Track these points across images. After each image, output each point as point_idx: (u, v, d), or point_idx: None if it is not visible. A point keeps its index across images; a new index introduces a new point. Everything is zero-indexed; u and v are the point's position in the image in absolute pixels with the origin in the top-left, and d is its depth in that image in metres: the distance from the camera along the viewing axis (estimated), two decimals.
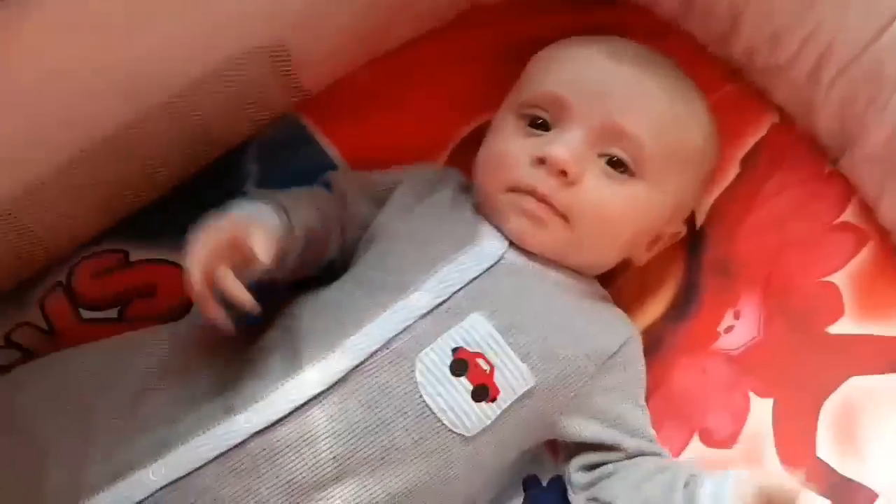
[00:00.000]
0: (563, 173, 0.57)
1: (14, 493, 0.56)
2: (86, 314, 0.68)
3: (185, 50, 0.60)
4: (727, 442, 0.63)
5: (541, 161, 0.58)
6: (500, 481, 0.61)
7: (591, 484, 0.59)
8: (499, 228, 0.60)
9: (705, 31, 0.72)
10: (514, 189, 0.59)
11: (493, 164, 0.61)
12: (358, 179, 0.67)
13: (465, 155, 0.70)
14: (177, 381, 0.59)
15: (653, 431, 0.61)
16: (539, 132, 0.60)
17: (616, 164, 0.59)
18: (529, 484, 0.63)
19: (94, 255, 0.69)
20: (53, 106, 0.56)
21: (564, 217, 0.58)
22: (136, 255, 0.69)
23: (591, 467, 0.60)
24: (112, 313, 0.68)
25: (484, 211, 0.62)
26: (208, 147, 0.71)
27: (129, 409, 0.57)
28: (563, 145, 0.57)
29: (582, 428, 0.59)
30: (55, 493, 0.54)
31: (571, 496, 0.61)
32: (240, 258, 0.53)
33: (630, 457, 0.59)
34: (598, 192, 0.58)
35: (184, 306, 0.68)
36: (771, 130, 0.71)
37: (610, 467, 0.59)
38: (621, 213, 0.59)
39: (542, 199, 0.58)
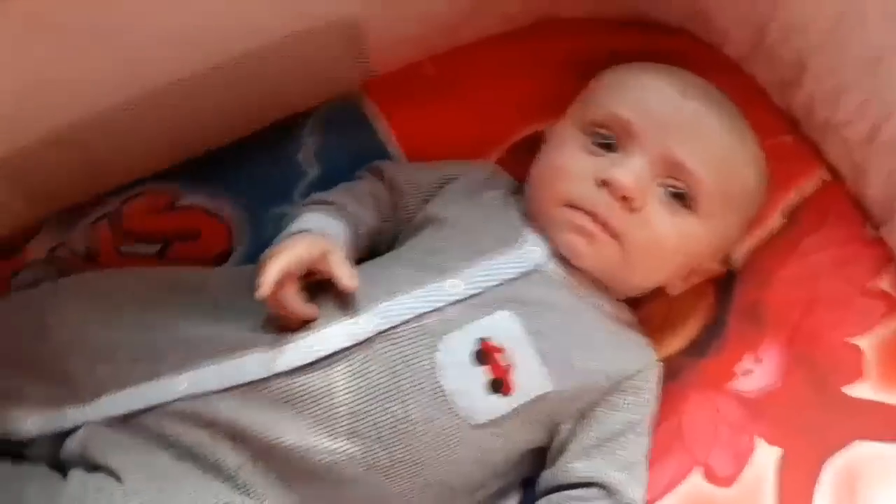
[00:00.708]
0: (626, 199, 0.58)
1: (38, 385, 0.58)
2: (126, 248, 0.71)
3: (271, 10, 0.63)
4: (726, 481, 0.63)
5: (605, 183, 0.58)
6: (503, 477, 0.61)
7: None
8: (544, 238, 0.61)
9: (769, 76, 0.73)
10: (572, 205, 0.59)
11: (554, 177, 0.61)
12: (412, 174, 0.68)
13: (514, 158, 0.72)
14: (210, 312, 0.61)
15: (640, 467, 0.61)
16: (602, 152, 0.60)
17: (674, 195, 0.59)
18: (528, 485, 0.63)
19: (145, 193, 0.72)
20: (136, 43, 0.58)
21: (617, 240, 0.59)
22: (183, 200, 0.72)
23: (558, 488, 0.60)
24: (152, 250, 0.70)
25: (534, 219, 0.62)
26: (269, 109, 0.73)
27: (161, 325, 0.59)
28: (630, 172, 0.58)
29: (575, 435, 0.59)
30: (76, 382, 0.57)
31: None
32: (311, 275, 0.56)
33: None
34: (657, 221, 0.59)
35: (223, 256, 0.70)
36: (821, 187, 0.72)
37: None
38: (675, 244, 0.60)
39: (599, 222, 0.58)
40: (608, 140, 0.61)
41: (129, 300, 0.61)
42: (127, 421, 0.56)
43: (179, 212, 0.71)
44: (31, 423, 0.58)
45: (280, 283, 0.54)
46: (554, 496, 0.60)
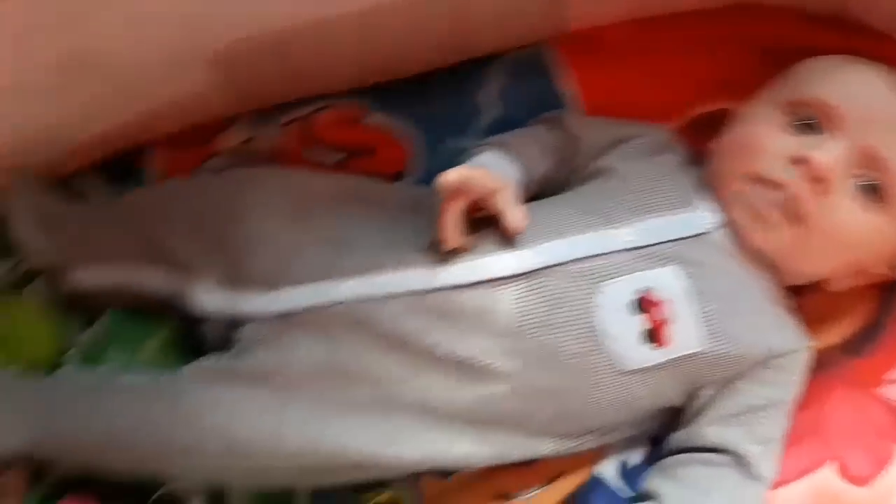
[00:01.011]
0: (818, 180, 0.57)
1: (221, 266, 0.63)
2: (308, 154, 0.75)
3: None
4: (861, 481, 0.62)
5: (799, 161, 0.58)
6: (634, 427, 0.63)
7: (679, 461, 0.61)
8: (718, 208, 0.62)
9: None
10: (757, 179, 0.59)
11: (744, 149, 0.61)
12: (591, 127, 0.69)
13: (689, 133, 0.73)
14: (388, 224, 0.64)
15: (776, 445, 0.61)
16: (799, 133, 0.60)
17: (866, 188, 0.59)
18: (655, 442, 0.65)
19: (335, 106, 0.76)
20: None
21: (798, 222, 0.58)
22: (371, 118, 0.76)
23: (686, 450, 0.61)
24: (332, 159, 0.75)
25: (713, 189, 0.63)
26: (460, 46, 0.75)
27: (342, 229, 0.63)
28: (829, 153, 0.58)
29: (715, 401, 0.60)
30: (261, 270, 0.62)
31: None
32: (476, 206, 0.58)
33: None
34: (843, 210, 0.58)
35: (395, 178, 0.74)
36: None
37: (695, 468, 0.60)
38: (857, 238, 0.59)
39: (788, 199, 0.58)
40: (808, 121, 0.60)
41: (317, 200, 0.65)
42: (295, 316, 0.59)
43: (363, 128, 0.76)
44: (207, 301, 0.63)
45: (452, 195, 0.56)
46: (682, 455, 0.61)
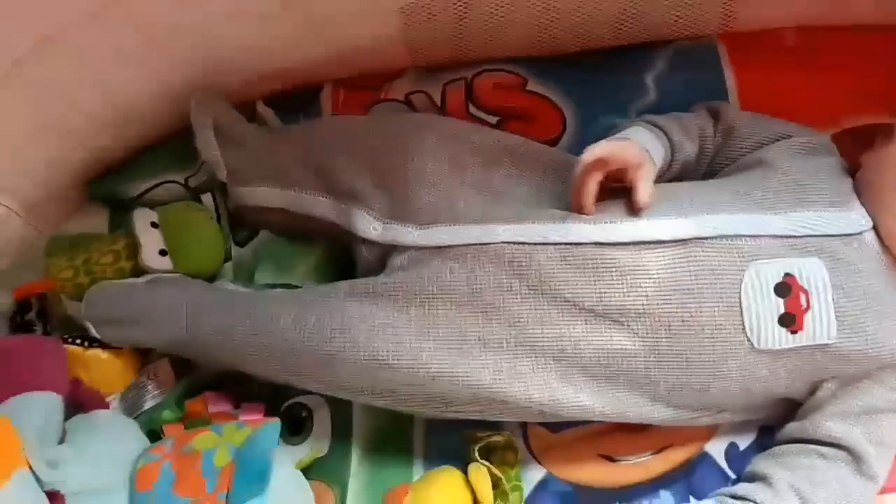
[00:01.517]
0: None
1: (387, 198, 0.69)
2: (472, 109, 0.80)
3: None
4: None
5: None
6: (750, 411, 0.66)
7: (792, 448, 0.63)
8: (870, 215, 0.64)
9: None
10: None
11: None
12: (752, 120, 0.72)
13: (843, 142, 0.74)
14: (541, 183, 0.69)
15: (891, 450, 0.62)
16: None
17: None
18: (764, 430, 0.67)
19: (500, 70, 0.81)
20: None
21: None
22: (532, 86, 0.81)
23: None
24: (492, 119, 0.80)
25: (867, 198, 0.65)
26: (631, 29, 0.79)
27: (497, 183, 0.68)
28: None
29: (837, 397, 0.62)
30: (419, 208, 0.67)
31: None
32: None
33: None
34: None
35: (551, 142, 0.78)
36: None
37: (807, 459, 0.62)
38: None
39: None
40: None
41: (479, 152, 0.70)
42: (449, 250, 0.64)
43: (524, 94, 0.80)
44: (373, 228, 0.68)
45: (593, 165, 0.61)
46: (796, 445, 0.63)
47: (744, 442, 0.67)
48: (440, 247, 0.64)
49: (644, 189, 0.62)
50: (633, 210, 0.62)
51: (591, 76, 0.80)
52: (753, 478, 0.63)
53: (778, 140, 0.70)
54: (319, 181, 0.72)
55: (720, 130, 0.71)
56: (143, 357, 0.72)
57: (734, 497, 0.62)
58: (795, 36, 0.79)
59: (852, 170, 0.69)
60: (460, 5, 0.74)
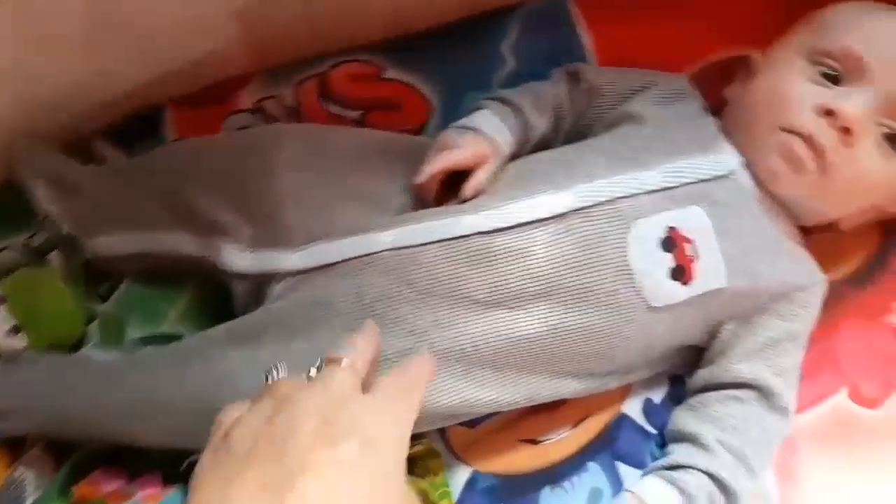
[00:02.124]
0: (846, 131, 0.60)
1: (253, 223, 0.63)
2: (331, 108, 0.76)
3: None
4: (874, 403, 0.66)
5: (827, 112, 0.60)
6: (657, 365, 0.66)
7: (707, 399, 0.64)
8: (740, 153, 0.64)
9: None
10: (789, 130, 0.61)
11: (775, 101, 0.63)
12: (612, 76, 0.71)
13: (705, 79, 0.74)
14: (411, 176, 0.65)
15: (794, 376, 0.64)
16: (827, 83, 0.62)
17: (890, 136, 0.61)
18: (675, 381, 0.68)
19: (354, 61, 0.77)
20: None
21: (823, 172, 0.61)
22: (390, 72, 0.77)
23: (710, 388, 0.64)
24: (355, 114, 0.76)
25: (741, 136, 0.65)
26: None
27: (372, 184, 0.65)
28: (857, 105, 0.60)
29: (739, 338, 0.63)
30: (291, 227, 0.62)
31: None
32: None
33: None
34: (867, 160, 0.61)
35: (417, 130, 0.76)
36: None
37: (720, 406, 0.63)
38: (876, 185, 0.62)
39: (814, 149, 0.61)
40: (835, 72, 0.62)
41: (344, 156, 0.66)
42: (332, 269, 0.60)
43: (384, 83, 0.76)
44: (239, 260, 0.63)
45: (434, 178, 0.61)
46: (714, 393, 0.64)
47: (658, 395, 0.68)
48: (321, 267, 0.61)
49: (473, 181, 0.61)
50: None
51: (448, 54, 0.77)
52: (681, 437, 0.63)
53: (641, 91, 0.69)
54: (175, 216, 0.66)
55: (581, 93, 0.70)
56: (17, 448, 0.65)
57: (672, 468, 0.62)
58: None
59: (716, 108, 0.69)
60: (292, 4, 0.70)
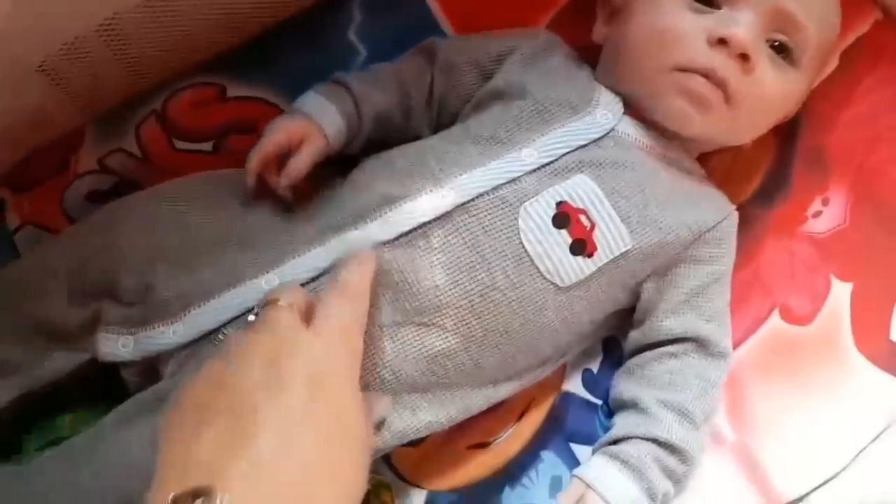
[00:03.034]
0: (744, 57, 0.56)
1: (123, 307, 0.57)
2: (179, 144, 0.68)
3: None
4: (805, 319, 0.65)
5: (720, 41, 0.56)
6: (588, 338, 0.63)
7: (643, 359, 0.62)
8: (617, 100, 0.60)
9: None
10: (685, 69, 0.57)
11: (659, 40, 0.58)
12: (467, 50, 0.65)
13: (565, 21, 0.71)
14: (275, 205, 0.60)
15: (726, 316, 0.62)
16: (707, 9, 0.58)
17: (778, 48, 0.58)
18: (609, 345, 0.66)
19: (191, 86, 0.69)
20: None
21: (729, 102, 0.57)
22: (233, 90, 0.69)
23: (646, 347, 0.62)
24: (207, 146, 0.68)
25: (632, 86, 0.60)
26: None
27: (234, 227, 0.58)
28: (746, 26, 0.56)
29: (662, 293, 0.61)
30: (161, 299, 0.56)
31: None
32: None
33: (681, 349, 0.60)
34: (768, 80, 0.57)
35: None
36: (873, 27, 0.71)
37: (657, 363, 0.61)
38: (781, 102, 0.60)
39: (716, 82, 0.56)
40: None
41: (196, 206, 0.59)
42: (214, 334, 0.54)
43: (231, 103, 0.69)
44: (122, 345, 0.57)
45: (263, 169, 0.58)
46: (649, 353, 0.61)
47: (595, 364, 0.66)
48: (208, 334, 0.55)
49: (290, 164, 0.58)
50: (421, 173, 0.57)
51: (292, 54, 0.70)
52: (622, 405, 0.61)
53: (502, 60, 0.64)
54: (41, 334, 0.58)
55: (440, 72, 0.64)
56: None
57: (615, 442, 0.59)
58: None
59: (587, 54, 0.65)
60: (109, 37, 0.61)
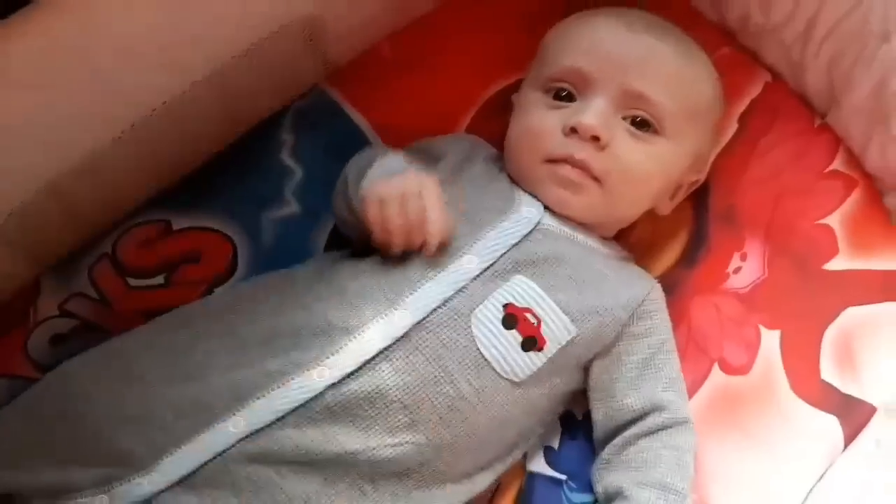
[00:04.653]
0: (595, 139, 0.62)
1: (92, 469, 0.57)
2: (133, 282, 0.71)
3: (230, 24, 0.64)
4: (743, 369, 0.69)
5: (573, 130, 0.62)
6: (549, 420, 0.67)
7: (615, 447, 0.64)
8: (535, 196, 0.65)
9: None
10: (551, 160, 0.63)
11: (527, 139, 0.65)
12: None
13: (487, 119, 0.76)
14: (230, 340, 0.60)
15: (681, 381, 0.65)
16: (565, 104, 0.64)
17: (639, 124, 0.64)
18: (566, 419, 0.69)
19: (138, 224, 0.72)
20: (115, 82, 0.59)
21: (598, 180, 0.63)
22: (178, 223, 0.72)
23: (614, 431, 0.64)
24: (159, 280, 0.71)
25: (521, 181, 0.66)
26: (243, 118, 0.74)
27: (193, 370, 0.59)
28: (592, 113, 0.62)
29: (610, 372, 0.64)
30: (130, 453, 0.56)
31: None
32: None
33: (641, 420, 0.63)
34: (628, 151, 0.63)
35: (228, 270, 0.72)
36: (764, 89, 0.78)
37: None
38: (649, 168, 0.65)
39: (578, 165, 0.62)
40: (567, 91, 0.65)
41: (149, 354, 0.61)
42: (195, 478, 0.56)
43: (176, 236, 0.72)
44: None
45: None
46: (618, 439, 0.63)
47: (555, 441, 0.68)
48: (182, 479, 0.55)
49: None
50: (371, 294, 0.59)
51: (235, 179, 0.74)
52: (608, 498, 0.63)
53: (434, 165, 0.68)
54: None
55: None
56: None
57: None
58: (391, 44, 0.78)
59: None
60: (57, 197, 0.64)
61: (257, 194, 0.73)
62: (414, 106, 0.76)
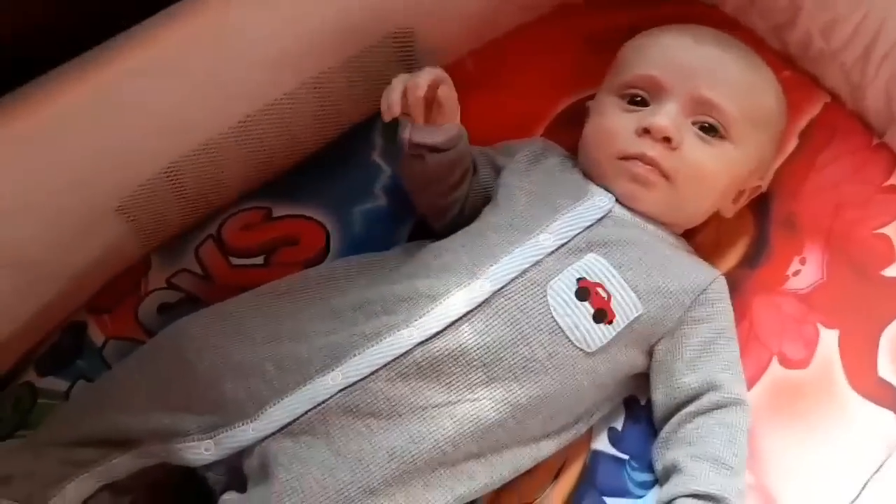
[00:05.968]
0: (667, 140, 0.68)
1: (201, 416, 0.64)
2: (235, 261, 0.79)
3: (336, 36, 0.72)
4: (802, 363, 0.73)
5: (646, 131, 0.68)
6: (612, 399, 0.71)
7: (672, 425, 0.68)
8: (607, 189, 0.71)
9: (764, 25, 0.84)
10: (624, 157, 0.69)
11: (603, 137, 0.71)
12: (484, 151, 0.77)
13: (558, 130, 0.82)
14: (326, 308, 0.68)
15: (739, 366, 0.69)
16: (638, 108, 0.71)
17: (707, 129, 0.70)
18: (630, 403, 0.73)
19: (241, 211, 0.80)
20: (235, 79, 0.68)
21: (667, 178, 0.69)
22: (278, 210, 0.80)
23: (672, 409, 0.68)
24: (259, 260, 0.79)
25: (594, 176, 0.72)
26: (342, 120, 0.82)
27: (293, 332, 0.66)
28: (664, 116, 0.68)
29: (673, 353, 0.68)
30: (236, 402, 0.63)
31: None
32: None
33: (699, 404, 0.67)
34: (695, 153, 0.69)
35: (321, 255, 0.79)
36: (824, 109, 0.83)
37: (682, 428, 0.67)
38: (714, 170, 0.70)
39: (649, 163, 0.68)
40: (641, 97, 0.71)
41: (255, 316, 0.68)
42: (294, 426, 0.62)
43: (276, 222, 0.80)
44: (205, 448, 0.63)
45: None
46: (675, 417, 0.67)
47: (619, 423, 0.72)
48: (283, 427, 0.62)
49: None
50: (458, 266, 0.65)
51: (326, 178, 0.81)
52: (665, 473, 0.67)
53: (507, 164, 0.75)
54: (123, 443, 0.64)
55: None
56: None
57: None
58: (473, 59, 0.86)
59: (574, 157, 0.76)
60: (171, 182, 0.72)
61: (350, 189, 0.81)
62: (492, 117, 0.82)
